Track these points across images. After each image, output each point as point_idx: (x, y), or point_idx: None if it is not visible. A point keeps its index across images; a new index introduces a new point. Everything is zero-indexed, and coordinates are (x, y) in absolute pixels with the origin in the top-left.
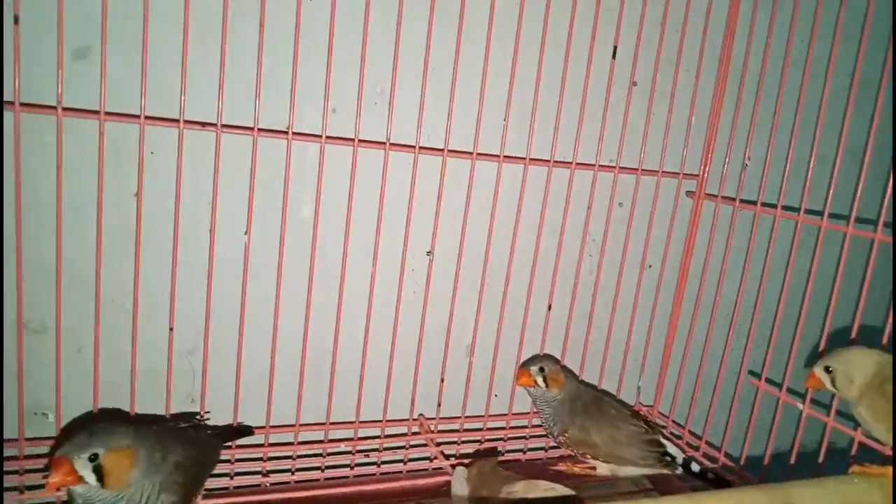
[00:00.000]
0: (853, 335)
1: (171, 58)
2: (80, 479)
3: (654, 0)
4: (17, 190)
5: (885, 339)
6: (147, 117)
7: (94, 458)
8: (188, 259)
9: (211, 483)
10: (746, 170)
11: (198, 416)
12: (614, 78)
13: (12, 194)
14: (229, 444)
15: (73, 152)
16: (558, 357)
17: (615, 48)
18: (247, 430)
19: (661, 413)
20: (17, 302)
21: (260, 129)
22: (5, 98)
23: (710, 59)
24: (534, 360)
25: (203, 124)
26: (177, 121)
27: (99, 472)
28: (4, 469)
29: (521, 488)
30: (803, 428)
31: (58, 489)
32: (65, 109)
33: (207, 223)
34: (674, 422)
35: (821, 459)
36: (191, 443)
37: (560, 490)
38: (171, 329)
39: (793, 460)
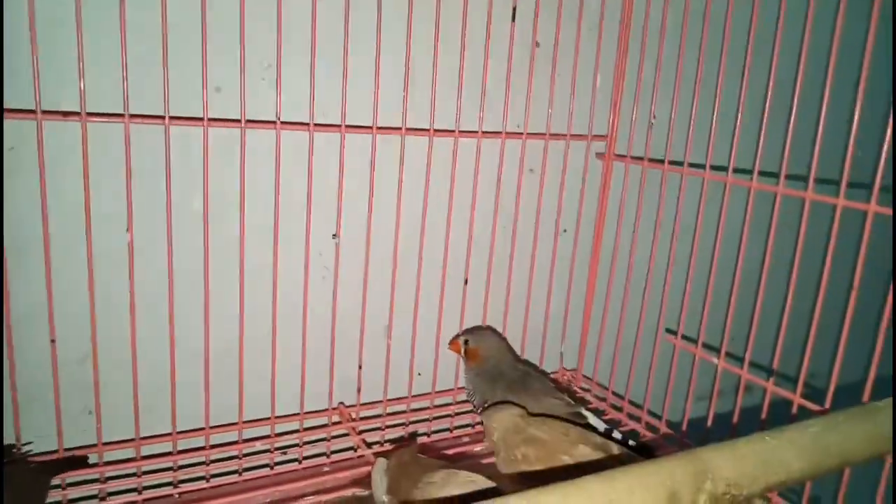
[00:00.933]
0: (761, 286)
1: (22, 43)
2: None
3: None
4: None
5: (790, 289)
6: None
7: None
8: (66, 262)
9: (116, 500)
10: (653, 128)
11: (14, 448)
12: (515, 40)
13: None
14: (60, 474)
15: None
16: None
17: (514, 9)
18: (80, 461)
19: (584, 376)
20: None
21: (132, 115)
22: None
23: (611, 15)
24: (470, 331)
25: (65, 114)
26: (33, 111)
27: None
28: None
29: (439, 479)
30: (720, 381)
31: None
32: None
33: (82, 222)
34: (597, 384)
35: (736, 410)
36: (15, 477)
37: (480, 482)
38: (53, 341)
39: (711, 411)
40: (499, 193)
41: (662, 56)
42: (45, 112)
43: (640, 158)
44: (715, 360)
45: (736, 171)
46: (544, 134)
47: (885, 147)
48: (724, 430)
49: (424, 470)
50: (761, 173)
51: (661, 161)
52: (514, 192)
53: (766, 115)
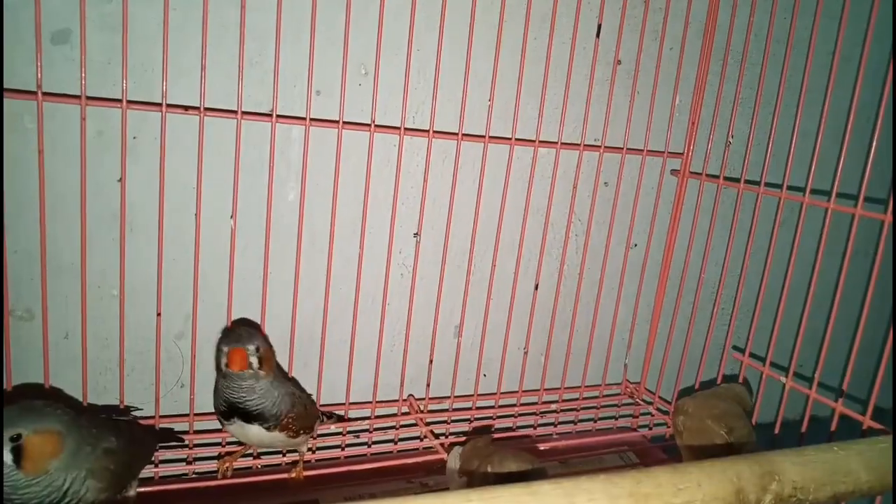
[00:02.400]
0: (834, 309)
1: (152, 41)
2: None
3: None
4: None
5: (864, 313)
6: (129, 101)
7: (16, 438)
8: (174, 244)
9: (205, 466)
10: (730, 147)
11: (133, 413)
12: (598, 56)
13: None
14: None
15: (54, 138)
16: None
17: (599, 26)
18: (178, 438)
19: (647, 389)
20: (2, 289)
21: (244, 113)
22: None
23: (693, 35)
24: (240, 336)
25: (186, 108)
26: (160, 104)
27: (18, 453)
28: None
29: (497, 458)
30: (786, 400)
31: None
32: (45, 94)
33: (193, 208)
34: (660, 398)
35: (803, 430)
36: (123, 434)
37: (530, 461)
38: (159, 314)
39: (777, 431)
40: (573, 204)
41: (743, 75)
42: (169, 106)
43: (716, 177)
44: (783, 379)
45: (813, 191)
46: (621, 148)
47: None
48: (789, 445)
49: (491, 453)
50: (839, 195)
51: (737, 180)
52: (588, 204)
53: (847, 136)
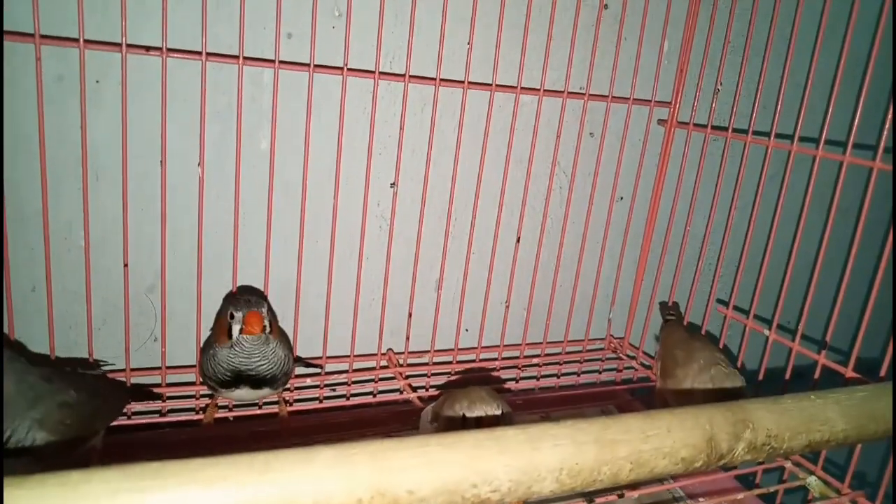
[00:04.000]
0: (819, 261)
1: None
2: None
3: None
4: None
5: (849, 265)
6: (87, 41)
7: None
8: (141, 193)
9: (178, 417)
10: (718, 96)
11: (101, 367)
12: (583, 0)
13: None
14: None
15: (13, 80)
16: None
17: None
18: (151, 395)
19: (631, 344)
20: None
21: (209, 54)
22: None
23: None
24: (250, 301)
25: (147, 48)
26: (119, 45)
27: None
28: None
29: (466, 403)
30: (770, 353)
31: None
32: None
33: (159, 155)
34: (644, 353)
35: (786, 379)
36: (86, 388)
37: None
38: (126, 265)
39: (761, 376)
40: (556, 154)
41: (732, 23)
42: (129, 46)
43: (704, 126)
44: (766, 332)
45: (801, 139)
46: (606, 96)
47: None
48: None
49: (462, 396)
50: (828, 142)
51: (725, 129)
52: (572, 154)
53: (836, 84)
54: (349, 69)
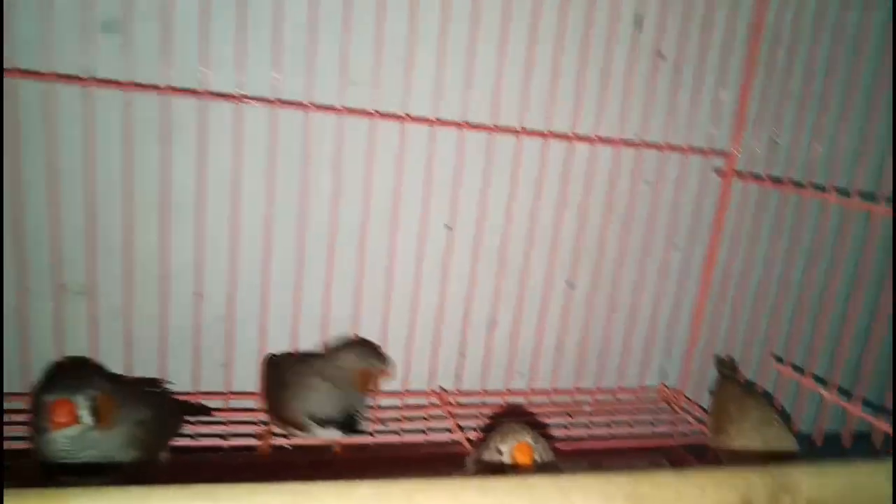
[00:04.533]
0: (880, 321)
1: (190, 31)
2: (79, 420)
3: None
4: (49, 160)
5: None
6: (171, 88)
7: (92, 399)
8: (213, 229)
9: (240, 442)
10: (777, 147)
11: (165, 386)
12: (639, 49)
13: (43, 165)
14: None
15: (104, 124)
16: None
17: (640, 18)
18: (205, 410)
19: (686, 396)
20: (55, 265)
21: (280, 101)
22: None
23: (742, 31)
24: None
25: (224, 96)
26: (198, 91)
27: (95, 412)
28: None
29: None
30: (826, 414)
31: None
32: (94, 80)
33: (229, 194)
34: (699, 405)
35: (843, 444)
36: (155, 404)
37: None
38: (199, 294)
39: (815, 442)
40: (611, 201)
41: (793, 73)
42: (208, 93)
43: (761, 177)
44: (823, 392)
45: (862, 195)
46: (662, 145)
47: None
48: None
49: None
50: (889, 200)
51: (783, 181)
52: (626, 202)
53: None
54: (410, 117)
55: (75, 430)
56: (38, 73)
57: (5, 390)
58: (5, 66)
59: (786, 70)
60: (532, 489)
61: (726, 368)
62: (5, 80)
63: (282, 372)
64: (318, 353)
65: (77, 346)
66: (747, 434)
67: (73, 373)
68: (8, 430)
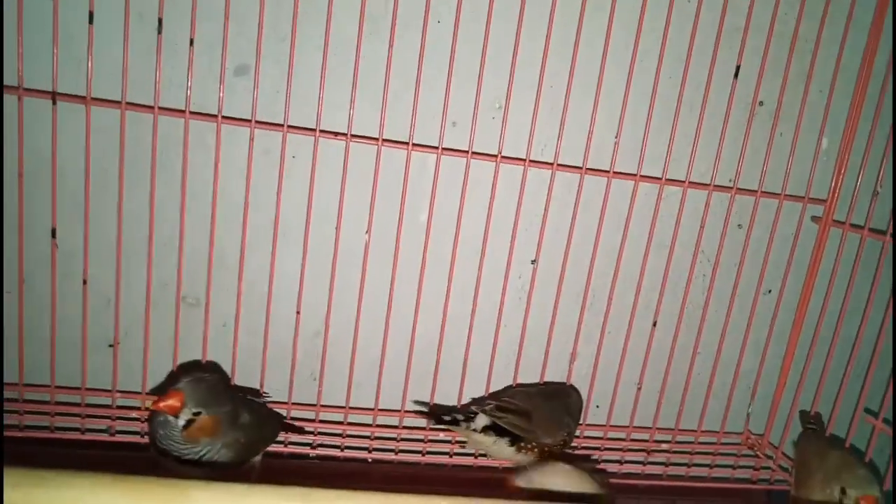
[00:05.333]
0: None
1: (313, 75)
2: (178, 415)
3: (784, 20)
4: (182, 187)
5: None
6: (289, 126)
7: (196, 413)
8: (317, 252)
9: (324, 451)
10: (878, 197)
11: (261, 394)
12: (736, 98)
13: (178, 191)
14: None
15: (230, 155)
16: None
17: (738, 67)
18: (298, 429)
19: (771, 443)
20: (178, 280)
21: (384, 140)
22: (182, 108)
23: (845, 78)
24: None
25: (336, 134)
26: (314, 130)
27: (190, 424)
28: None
29: (549, 469)
30: None
31: (157, 410)
32: (224, 118)
33: (335, 222)
34: (783, 454)
35: None
36: (255, 411)
37: (580, 476)
38: (298, 313)
39: None
40: (699, 243)
41: None
42: (321, 131)
43: (861, 227)
44: None
45: None
46: (756, 191)
47: None
48: None
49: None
50: None
51: (883, 232)
52: (716, 245)
53: None
54: (503, 157)
55: (168, 418)
56: (178, 110)
57: (110, 386)
58: (160, 104)
59: (889, 120)
60: None
61: (811, 424)
62: (158, 116)
63: None
64: None
65: (189, 355)
66: (826, 488)
67: (206, 378)
68: (122, 425)
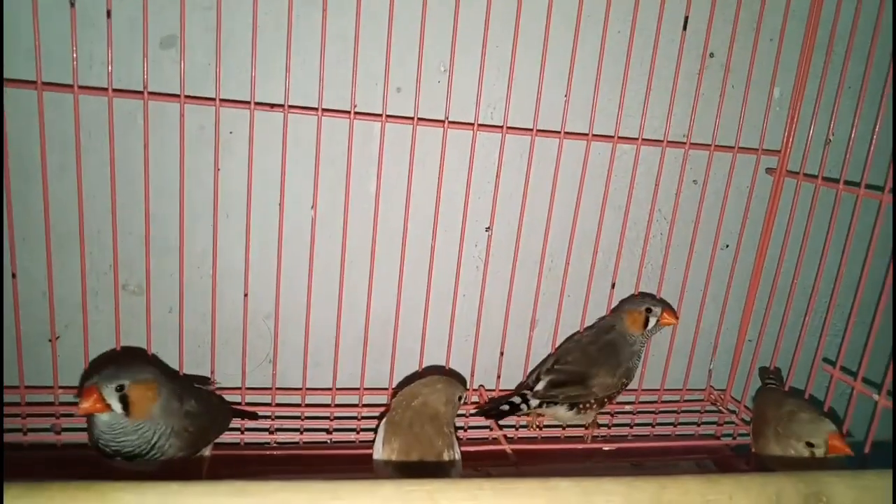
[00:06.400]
0: None
1: (245, 45)
2: (108, 407)
3: None
4: (111, 169)
5: None
6: (222, 100)
7: (120, 388)
8: (262, 230)
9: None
10: (830, 146)
11: (210, 382)
12: (686, 50)
13: (107, 174)
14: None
15: (161, 133)
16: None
17: (686, 18)
18: (252, 415)
19: (733, 397)
20: (114, 267)
21: (324, 110)
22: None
23: (794, 26)
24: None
25: (272, 105)
26: (248, 102)
27: (125, 401)
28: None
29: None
30: (879, 419)
31: (86, 416)
32: (151, 94)
33: (278, 198)
34: (745, 407)
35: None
36: (203, 399)
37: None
38: (246, 295)
39: (867, 451)
40: (655, 200)
41: (847, 69)
42: (258, 104)
43: (814, 176)
44: (875, 397)
45: None
46: (709, 145)
47: None
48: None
49: None
50: None
51: (836, 181)
52: (672, 202)
53: None
54: (450, 122)
55: (107, 417)
56: (101, 88)
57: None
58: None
59: (840, 66)
60: (553, 491)
61: (771, 379)
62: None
63: None
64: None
65: (133, 343)
66: (783, 438)
67: (120, 363)
68: (68, 422)
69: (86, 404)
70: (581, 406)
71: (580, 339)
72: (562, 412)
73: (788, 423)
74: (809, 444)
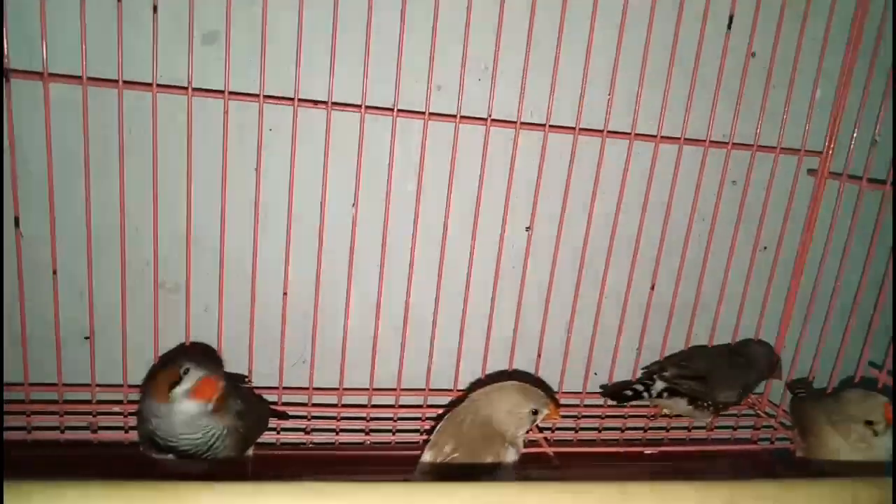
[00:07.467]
0: None
1: (287, 43)
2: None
3: None
4: (154, 166)
5: None
6: (266, 96)
7: (186, 371)
8: (302, 228)
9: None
10: (876, 147)
11: (246, 381)
12: (730, 49)
13: (149, 172)
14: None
15: (203, 130)
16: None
17: (731, 17)
18: (284, 415)
19: (770, 402)
20: (154, 265)
21: (367, 107)
22: (148, 80)
23: (839, 27)
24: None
25: (315, 102)
26: (292, 99)
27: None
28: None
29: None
30: None
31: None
32: (195, 90)
33: (319, 195)
34: (784, 411)
35: None
36: (247, 398)
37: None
38: (285, 294)
39: None
40: (696, 201)
41: (894, 70)
42: (301, 101)
43: (858, 178)
44: None
45: None
46: (752, 145)
47: None
48: None
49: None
50: None
51: (882, 182)
52: (713, 202)
53: None
54: (493, 120)
55: (197, 410)
56: (145, 83)
57: (99, 381)
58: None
59: (887, 67)
60: (628, 496)
61: (800, 390)
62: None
63: None
64: None
65: (171, 343)
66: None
67: (200, 359)
68: (104, 420)
69: (214, 395)
70: (699, 403)
71: (710, 350)
72: (682, 405)
73: (841, 407)
74: (869, 423)
